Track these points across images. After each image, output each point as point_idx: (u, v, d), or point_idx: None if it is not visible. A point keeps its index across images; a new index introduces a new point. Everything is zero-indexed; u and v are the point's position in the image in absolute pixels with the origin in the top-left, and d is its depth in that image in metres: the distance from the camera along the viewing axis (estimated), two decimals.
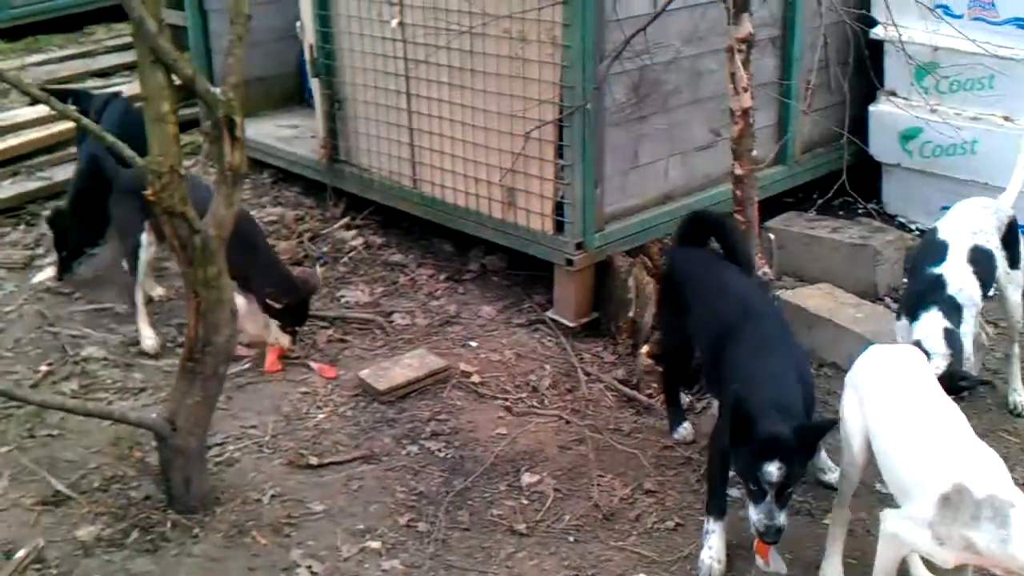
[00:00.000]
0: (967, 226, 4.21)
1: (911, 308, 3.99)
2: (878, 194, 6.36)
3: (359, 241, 6.04)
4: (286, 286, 4.85)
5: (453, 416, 4.50)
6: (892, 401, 3.28)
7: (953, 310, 3.91)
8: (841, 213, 6.17)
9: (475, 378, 4.76)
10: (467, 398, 4.63)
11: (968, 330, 3.93)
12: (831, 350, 4.76)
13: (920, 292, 4.03)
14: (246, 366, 4.88)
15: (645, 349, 4.76)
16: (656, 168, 5.43)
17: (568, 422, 4.46)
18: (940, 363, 3.69)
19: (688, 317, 4.08)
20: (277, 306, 4.79)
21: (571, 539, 3.80)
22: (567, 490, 4.04)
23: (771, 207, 5.80)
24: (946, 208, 4.55)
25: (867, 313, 4.88)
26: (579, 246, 5.04)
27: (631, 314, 4.97)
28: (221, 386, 3.91)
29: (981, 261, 4.12)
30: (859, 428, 3.39)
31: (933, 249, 4.17)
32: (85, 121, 3.75)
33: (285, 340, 4.90)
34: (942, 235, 4.19)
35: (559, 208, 5.08)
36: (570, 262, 5.04)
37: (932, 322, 3.85)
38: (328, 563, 3.67)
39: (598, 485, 4.05)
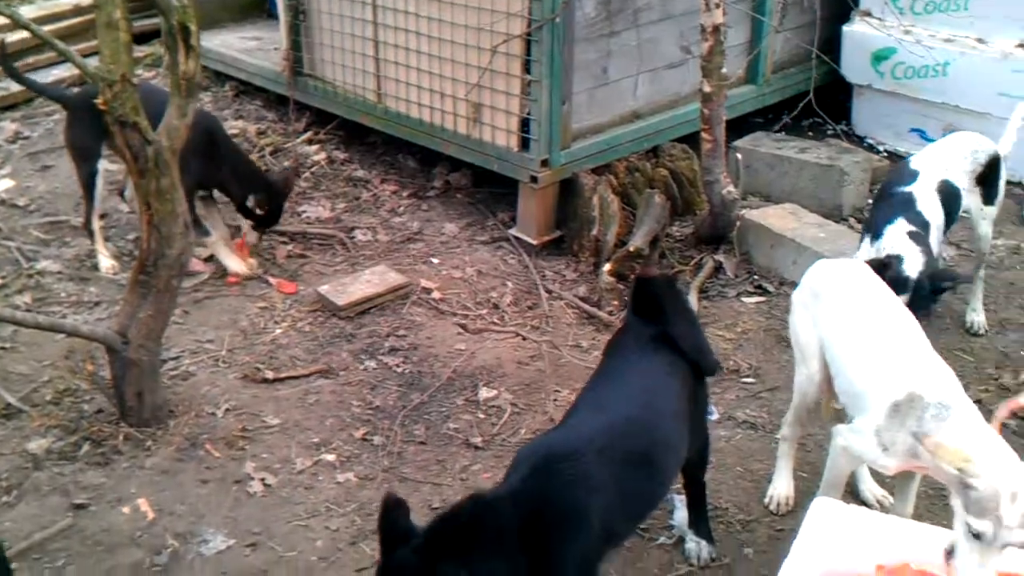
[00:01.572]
0: (940, 162, 4.19)
1: (876, 226, 3.96)
2: (848, 115, 6.31)
3: (321, 156, 5.96)
4: (267, 190, 4.89)
5: (412, 332, 4.47)
6: (846, 312, 3.25)
7: (919, 224, 3.89)
8: (810, 134, 6.13)
9: (436, 295, 4.73)
10: (427, 314, 4.60)
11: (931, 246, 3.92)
12: (792, 269, 4.74)
13: (886, 208, 4.00)
14: (203, 279, 4.82)
15: (607, 267, 4.73)
16: (625, 85, 5.35)
17: (527, 339, 4.44)
18: (917, 260, 3.69)
19: None
20: (260, 212, 4.86)
21: None
22: (524, 404, 4.03)
23: (740, 127, 5.75)
24: (915, 131, 4.53)
25: (830, 233, 4.86)
26: (544, 163, 4.97)
27: (594, 232, 4.93)
28: (174, 300, 3.86)
29: (947, 193, 4.10)
30: (814, 342, 3.37)
31: (903, 175, 4.15)
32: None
33: (253, 237, 5.04)
34: (914, 165, 4.17)
35: (525, 125, 5.01)
36: (535, 179, 4.98)
37: (898, 229, 3.84)
38: (281, 476, 3.66)
39: (555, 400, 4.04)
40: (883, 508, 3.46)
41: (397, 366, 4.25)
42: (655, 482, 2.85)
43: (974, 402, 3.05)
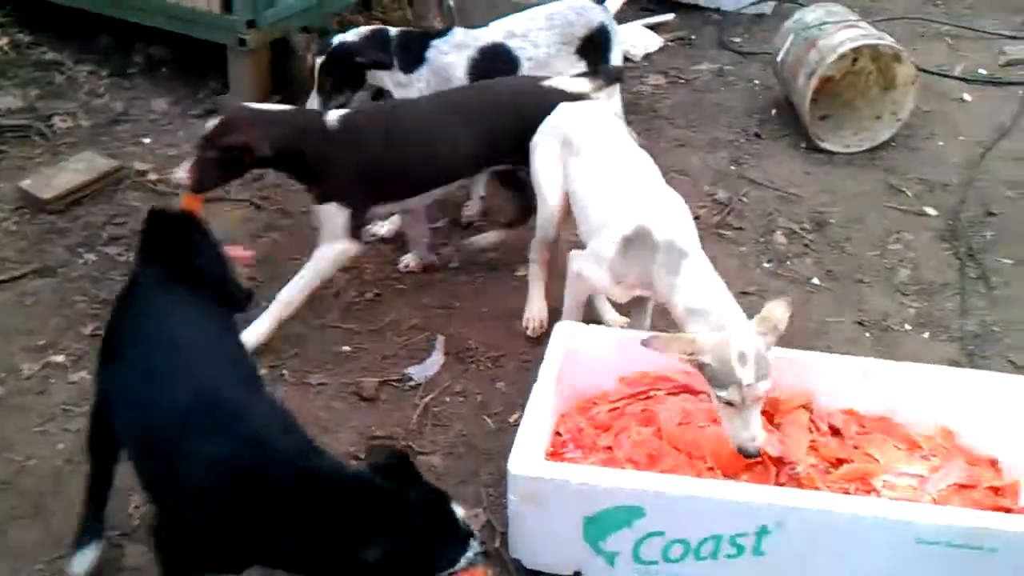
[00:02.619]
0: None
1: None
2: None
3: (3, 40, 5.39)
4: None
5: (132, 218, 4.19)
6: (587, 151, 3.32)
7: None
8: None
9: (152, 176, 4.45)
10: (145, 198, 4.31)
11: None
12: None
13: None
14: None
15: None
16: None
17: (259, 207, 4.29)
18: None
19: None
20: None
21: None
22: (263, 278, 3.90)
23: None
24: None
25: None
26: (251, 24, 4.72)
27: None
28: None
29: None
30: (557, 179, 3.43)
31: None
32: None
33: None
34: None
35: None
36: (243, 42, 4.73)
37: None
38: (8, 385, 3.41)
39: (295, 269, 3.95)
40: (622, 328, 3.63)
41: (119, 255, 3.99)
42: None
43: (695, 218, 3.24)
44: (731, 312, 2.82)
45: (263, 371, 3.40)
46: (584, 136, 3.38)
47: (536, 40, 4.06)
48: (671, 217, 3.07)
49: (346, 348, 3.60)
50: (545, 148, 3.48)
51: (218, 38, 4.82)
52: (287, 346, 3.59)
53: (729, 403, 2.70)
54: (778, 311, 2.82)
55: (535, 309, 3.65)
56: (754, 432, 2.72)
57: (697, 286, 2.89)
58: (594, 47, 4.17)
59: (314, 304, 3.76)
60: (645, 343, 2.77)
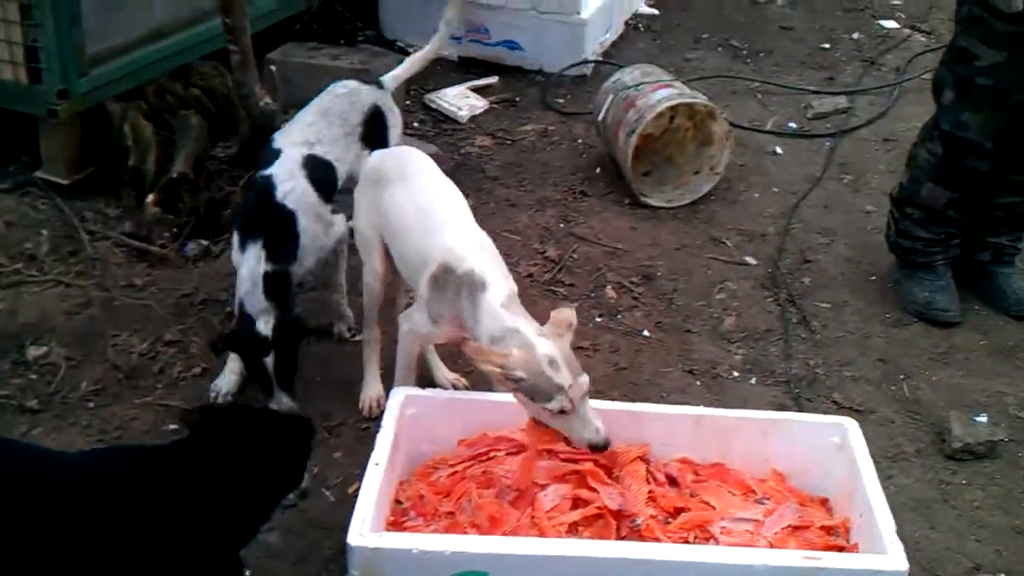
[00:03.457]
0: (304, 133, 3.79)
1: (241, 238, 3.54)
2: (376, 20, 6.37)
3: None
4: None
5: None
6: (399, 194, 3.29)
7: (283, 239, 3.52)
8: (342, 41, 6.12)
9: None
10: None
11: None
12: None
13: (247, 217, 3.59)
14: None
15: (151, 198, 4.46)
16: (140, 3, 4.99)
17: (71, 286, 4.09)
18: (269, 317, 3.37)
19: None
20: None
21: (91, 405, 3.52)
22: (80, 356, 3.73)
23: (271, 39, 5.59)
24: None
25: None
26: (62, 94, 4.53)
27: (132, 163, 4.62)
28: None
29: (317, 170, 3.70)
30: (374, 234, 3.40)
31: (266, 155, 3.70)
32: None
33: None
34: (276, 143, 3.75)
35: (33, 55, 4.52)
36: (54, 113, 4.54)
37: (253, 266, 3.43)
38: None
39: (114, 345, 3.78)
40: (457, 389, 3.61)
41: None
42: None
43: (526, 276, 3.27)
44: (529, 331, 2.82)
45: None
46: (392, 172, 3.36)
47: (330, 140, 3.78)
48: (473, 251, 3.06)
49: (174, 426, 3.44)
50: (363, 198, 3.45)
51: (28, 109, 4.62)
52: (109, 427, 3.43)
53: (561, 411, 2.72)
54: (565, 312, 2.88)
55: (371, 389, 3.56)
56: (595, 425, 2.76)
57: (494, 314, 2.88)
58: (373, 131, 3.94)
59: (138, 382, 3.62)
60: (465, 347, 2.86)
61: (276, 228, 3.45)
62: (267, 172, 3.58)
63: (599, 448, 2.80)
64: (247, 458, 2.45)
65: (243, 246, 3.45)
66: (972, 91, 3.99)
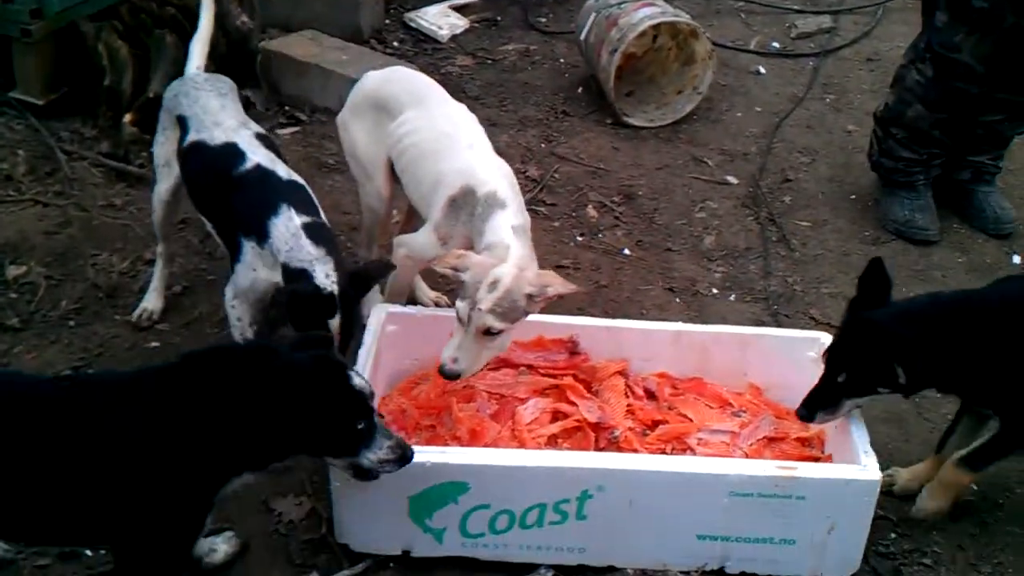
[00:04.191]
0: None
1: (255, 223, 2.94)
2: None
3: None
4: None
5: None
6: (419, 120, 3.22)
7: (308, 204, 3.01)
8: None
9: None
10: None
11: None
12: (322, 95, 4.72)
13: (252, 195, 3.00)
14: None
15: (128, 117, 4.41)
16: None
17: (49, 206, 4.06)
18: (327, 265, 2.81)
19: None
20: None
21: (72, 324, 3.52)
22: (60, 275, 3.72)
23: None
24: None
25: (353, 55, 4.86)
26: (35, 14, 4.45)
27: (108, 83, 4.55)
28: None
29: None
30: (379, 154, 3.33)
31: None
32: None
33: None
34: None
35: None
36: (27, 33, 4.46)
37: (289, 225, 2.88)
38: None
39: (94, 264, 3.77)
40: (439, 306, 3.61)
41: None
42: None
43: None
44: (515, 254, 2.81)
45: (67, 373, 3.26)
46: (403, 96, 3.29)
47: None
48: (494, 175, 3.04)
49: (155, 344, 3.46)
50: (357, 121, 3.39)
51: (0, 29, 4.54)
52: (91, 344, 3.43)
53: (459, 319, 2.76)
54: (557, 280, 2.85)
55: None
56: (456, 355, 2.77)
57: (500, 228, 2.88)
58: None
59: (119, 301, 3.62)
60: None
61: (293, 192, 3.00)
62: (254, 161, 3.05)
63: (441, 374, 2.81)
64: (230, 399, 2.21)
65: (264, 225, 2.88)
66: (966, 13, 3.95)
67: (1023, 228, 4.42)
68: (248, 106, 4.77)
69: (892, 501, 3.06)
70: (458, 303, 2.76)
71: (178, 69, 4.62)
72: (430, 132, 3.19)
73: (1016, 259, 4.25)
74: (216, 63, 4.87)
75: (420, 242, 3.15)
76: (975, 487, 3.12)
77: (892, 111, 4.33)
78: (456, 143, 3.14)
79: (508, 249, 2.82)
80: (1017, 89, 4.06)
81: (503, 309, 2.72)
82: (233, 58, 4.80)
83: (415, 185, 3.23)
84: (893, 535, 2.98)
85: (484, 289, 2.71)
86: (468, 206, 2.98)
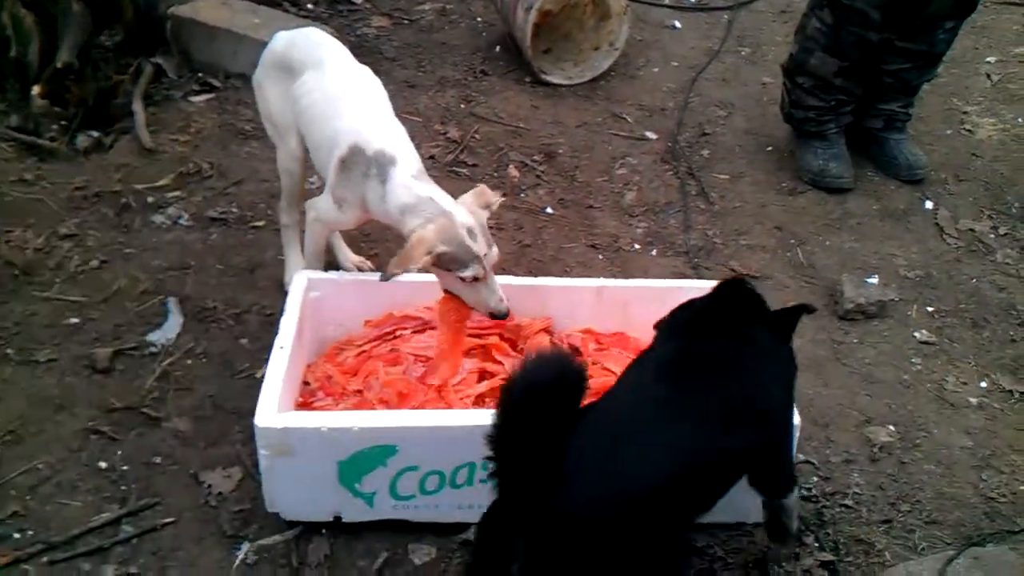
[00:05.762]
0: None
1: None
2: None
3: None
4: None
5: None
6: (313, 83, 3.19)
7: None
8: None
9: None
10: None
11: None
12: (234, 60, 4.63)
13: None
14: None
15: (37, 89, 4.30)
16: None
17: None
18: None
19: None
20: None
21: None
22: None
23: None
24: None
25: (265, 18, 4.76)
26: None
27: (14, 54, 4.42)
28: None
29: None
30: (289, 115, 3.29)
31: None
32: None
33: None
34: None
35: None
36: None
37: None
38: None
39: (8, 241, 3.66)
40: (362, 271, 3.60)
41: None
42: None
43: (428, 157, 3.24)
44: (443, 199, 2.85)
45: None
46: (304, 58, 3.26)
47: None
48: (386, 134, 3.02)
49: (74, 320, 3.39)
50: (269, 82, 3.34)
51: None
52: (8, 323, 3.36)
53: (475, 279, 2.78)
54: (490, 193, 2.94)
55: (295, 271, 3.52)
56: (500, 294, 2.84)
57: (406, 185, 2.88)
58: None
59: (35, 278, 3.55)
60: (384, 279, 2.78)
61: None
62: None
63: (501, 316, 2.86)
64: None
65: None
66: None
67: (935, 174, 4.54)
68: (160, 74, 4.70)
69: (813, 445, 3.16)
70: (465, 272, 2.77)
71: (86, 38, 4.55)
72: (322, 94, 3.16)
73: (928, 204, 4.36)
74: (125, 30, 4.81)
75: (321, 206, 3.15)
76: (893, 427, 3.23)
77: (796, 60, 4.40)
78: (347, 105, 3.12)
79: (432, 200, 2.83)
80: (913, 36, 4.16)
81: (490, 240, 2.82)
82: (141, 25, 4.70)
83: (314, 149, 3.22)
84: (815, 478, 3.07)
85: (471, 241, 2.75)
86: (359, 166, 2.97)
